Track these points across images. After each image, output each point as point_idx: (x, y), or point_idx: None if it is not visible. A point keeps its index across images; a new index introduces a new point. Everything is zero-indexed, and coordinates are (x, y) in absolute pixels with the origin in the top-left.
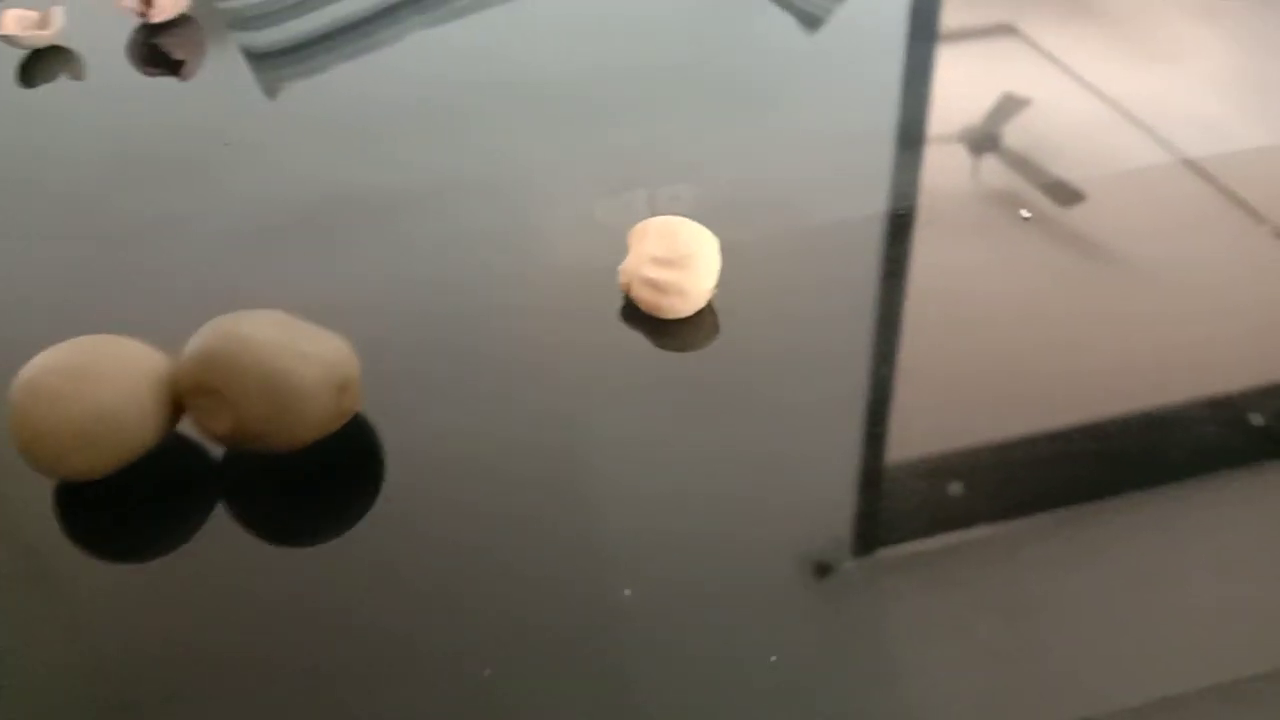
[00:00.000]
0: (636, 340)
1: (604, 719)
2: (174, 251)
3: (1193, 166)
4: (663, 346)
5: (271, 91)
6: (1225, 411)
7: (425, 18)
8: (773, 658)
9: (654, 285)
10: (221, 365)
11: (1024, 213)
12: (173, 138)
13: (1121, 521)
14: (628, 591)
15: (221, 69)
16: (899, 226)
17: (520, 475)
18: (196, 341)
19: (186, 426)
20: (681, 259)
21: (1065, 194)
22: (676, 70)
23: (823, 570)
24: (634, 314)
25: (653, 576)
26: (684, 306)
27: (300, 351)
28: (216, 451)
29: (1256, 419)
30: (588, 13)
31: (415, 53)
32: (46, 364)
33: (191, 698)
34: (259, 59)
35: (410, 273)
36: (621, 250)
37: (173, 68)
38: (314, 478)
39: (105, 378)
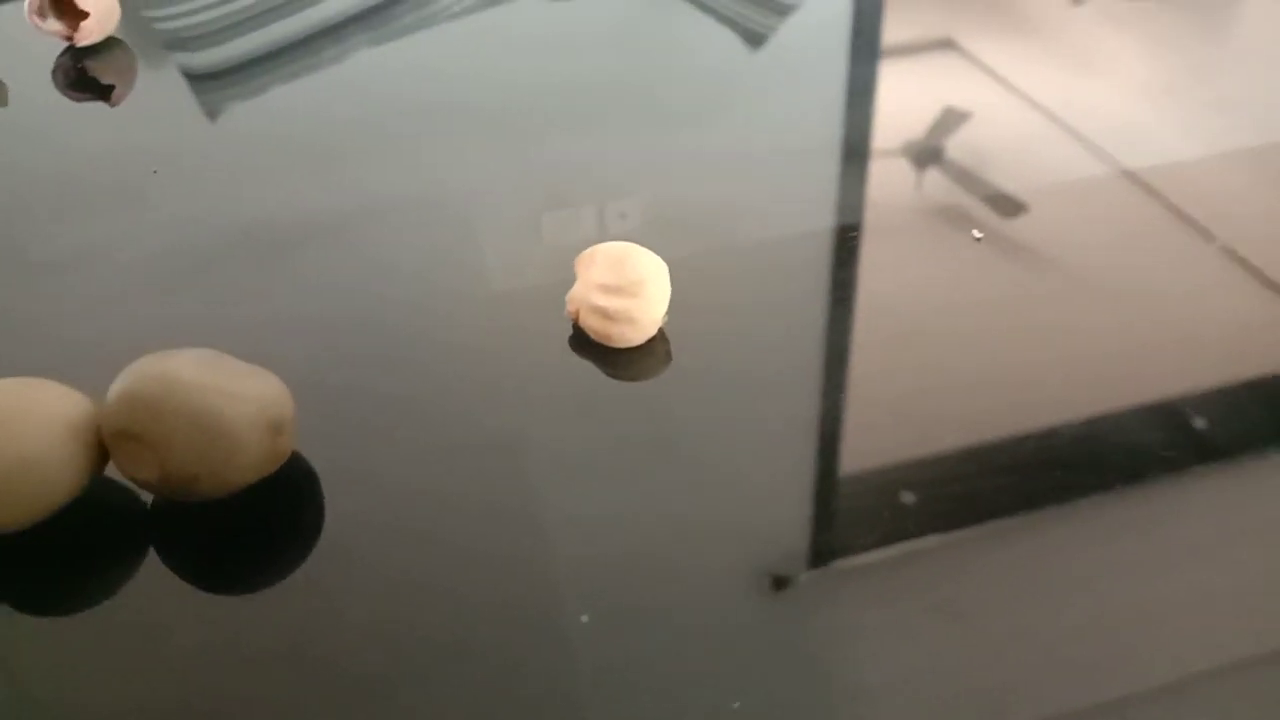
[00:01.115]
0: (586, 368)
1: None
2: (98, 285)
3: (1129, 176)
4: (614, 375)
5: (212, 113)
6: (1169, 417)
7: (369, 36)
8: (732, 676)
9: (603, 313)
10: (146, 408)
11: (976, 233)
12: (102, 165)
13: (1071, 527)
14: (585, 618)
15: (153, 93)
16: (846, 241)
17: (467, 506)
18: (120, 384)
19: (115, 471)
20: (631, 285)
21: (1008, 205)
22: (620, 86)
23: (780, 583)
24: (583, 342)
25: (609, 600)
26: (634, 335)
27: (230, 391)
28: (147, 496)
29: (1199, 422)
30: (533, 30)
31: (360, 72)
32: None
33: None
34: (199, 80)
35: (350, 298)
36: (569, 273)
37: (101, 93)
38: (250, 522)
39: (23, 424)
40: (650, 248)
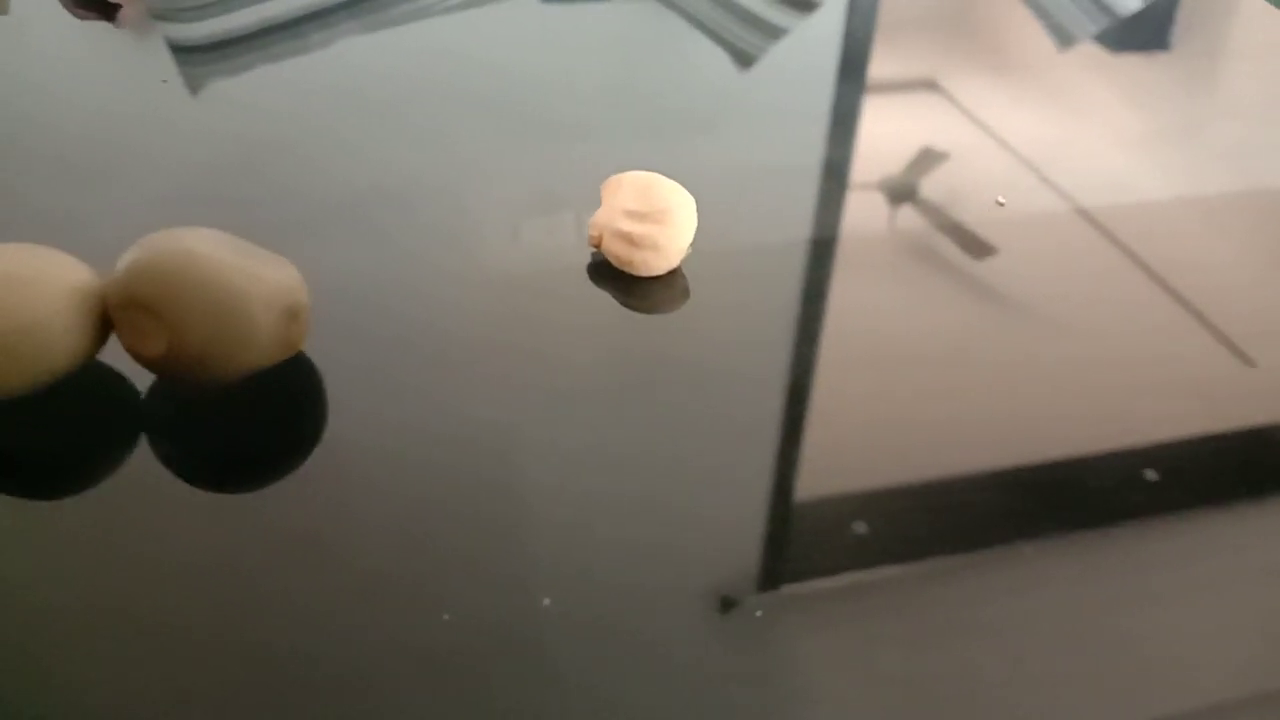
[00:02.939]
0: (599, 318)
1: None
2: (101, 194)
3: (1101, 225)
4: (618, 340)
5: (195, 88)
6: (1121, 466)
7: (358, 23)
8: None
9: (628, 239)
10: (159, 278)
11: (1000, 199)
12: (103, 84)
13: (1018, 570)
14: (546, 601)
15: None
16: (817, 265)
17: (461, 450)
18: (131, 254)
19: (109, 354)
20: (657, 212)
21: (978, 247)
22: (606, 93)
23: (728, 604)
24: (604, 272)
25: (569, 582)
26: (658, 263)
27: (247, 270)
28: (143, 382)
29: (1150, 474)
30: (526, 31)
31: (345, 57)
32: None
33: (92, 647)
34: (184, 52)
35: (354, 261)
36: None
37: (106, 12)
38: (248, 418)
39: (25, 286)
40: None
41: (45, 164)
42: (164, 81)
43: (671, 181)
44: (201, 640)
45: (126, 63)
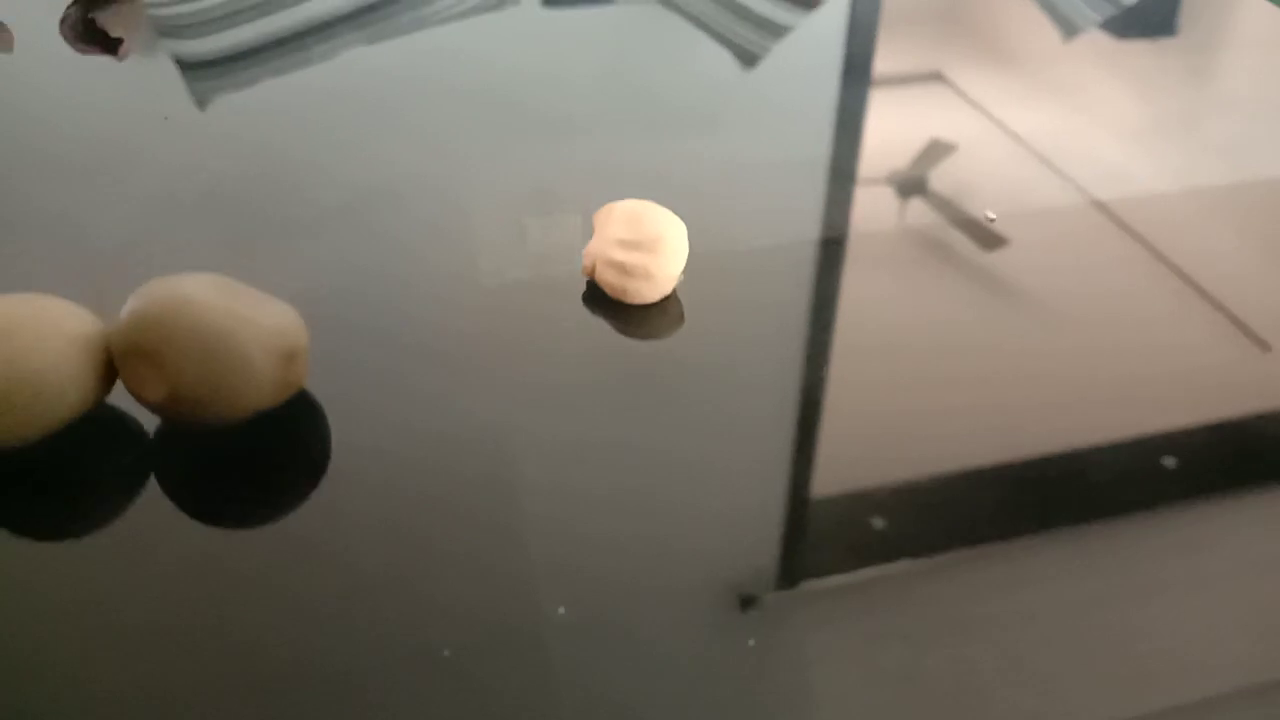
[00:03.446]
0: (601, 327)
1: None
2: (105, 227)
3: (1110, 213)
4: (627, 334)
5: (202, 102)
6: (1139, 453)
7: (361, 35)
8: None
9: (620, 268)
10: (159, 326)
11: (989, 214)
12: (105, 117)
13: (1037, 561)
14: (562, 610)
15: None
16: (828, 261)
17: (466, 466)
18: (132, 302)
19: (118, 397)
20: (648, 241)
21: (989, 238)
22: (612, 96)
23: (747, 602)
24: (598, 298)
25: (583, 589)
26: (650, 291)
27: (244, 316)
28: (150, 424)
29: (1169, 461)
30: (529, 36)
31: (348, 67)
32: None
33: (111, 680)
34: (190, 68)
35: (359, 263)
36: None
37: (108, 46)
38: (253, 457)
39: (32, 337)
40: None
41: (55, 187)
42: (165, 119)
43: (663, 209)
44: (217, 663)
45: (130, 91)
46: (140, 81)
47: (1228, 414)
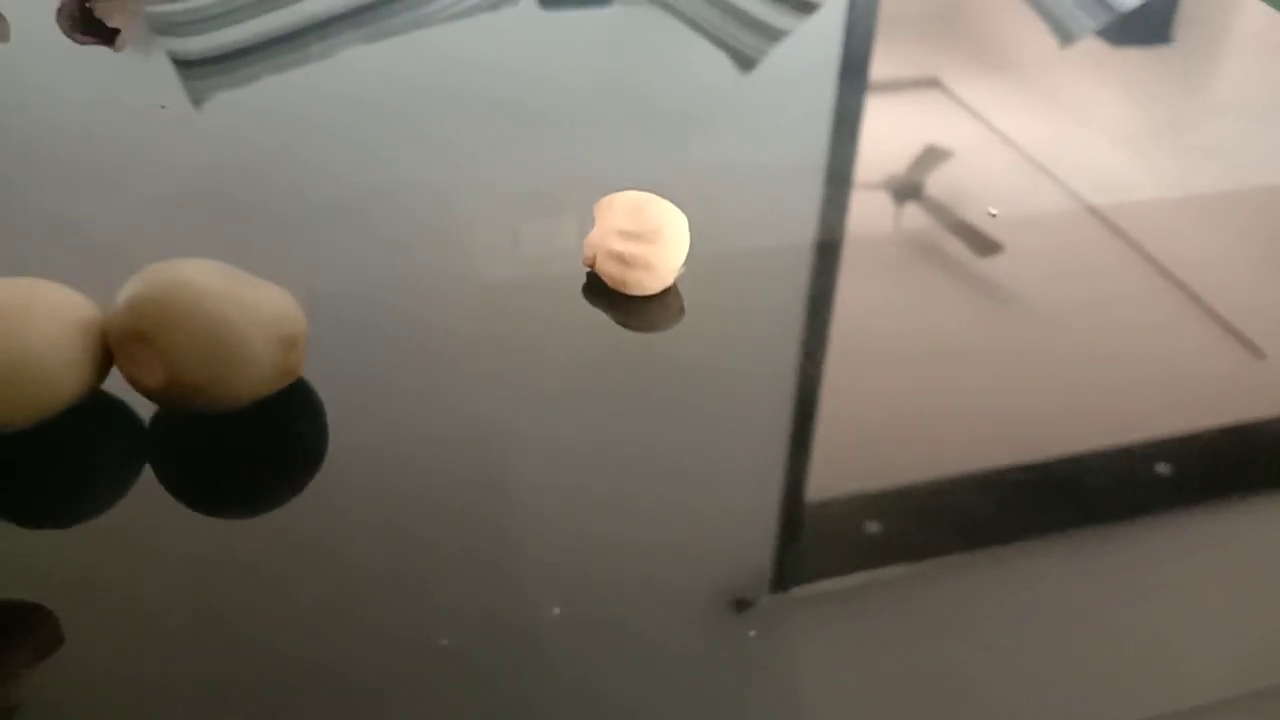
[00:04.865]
0: (600, 320)
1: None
2: (100, 220)
3: (1105, 221)
4: (627, 325)
5: (197, 100)
6: (1132, 460)
7: (360, 34)
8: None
9: (620, 259)
10: (157, 311)
11: (991, 210)
12: (102, 109)
13: (1032, 562)
14: (557, 610)
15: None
16: (823, 265)
17: (462, 461)
18: (130, 287)
19: (113, 384)
20: (649, 232)
21: (984, 244)
22: (608, 97)
23: (741, 605)
24: (598, 290)
25: (578, 589)
26: (651, 282)
27: (243, 301)
28: (145, 411)
29: (1162, 468)
30: (526, 37)
31: (346, 66)
32: None
33: (100, 666)
34: (186, 66)
35: (356, 261)
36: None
37: (106, 36)
38: (249, 447)
39: (28, 321)
40: None
41: (51, 179)
42: (163, 108)
43: (664, 201)
44: (211, 655)
45: (128, 83)
46: (137, 74)
47: (1222, 421)
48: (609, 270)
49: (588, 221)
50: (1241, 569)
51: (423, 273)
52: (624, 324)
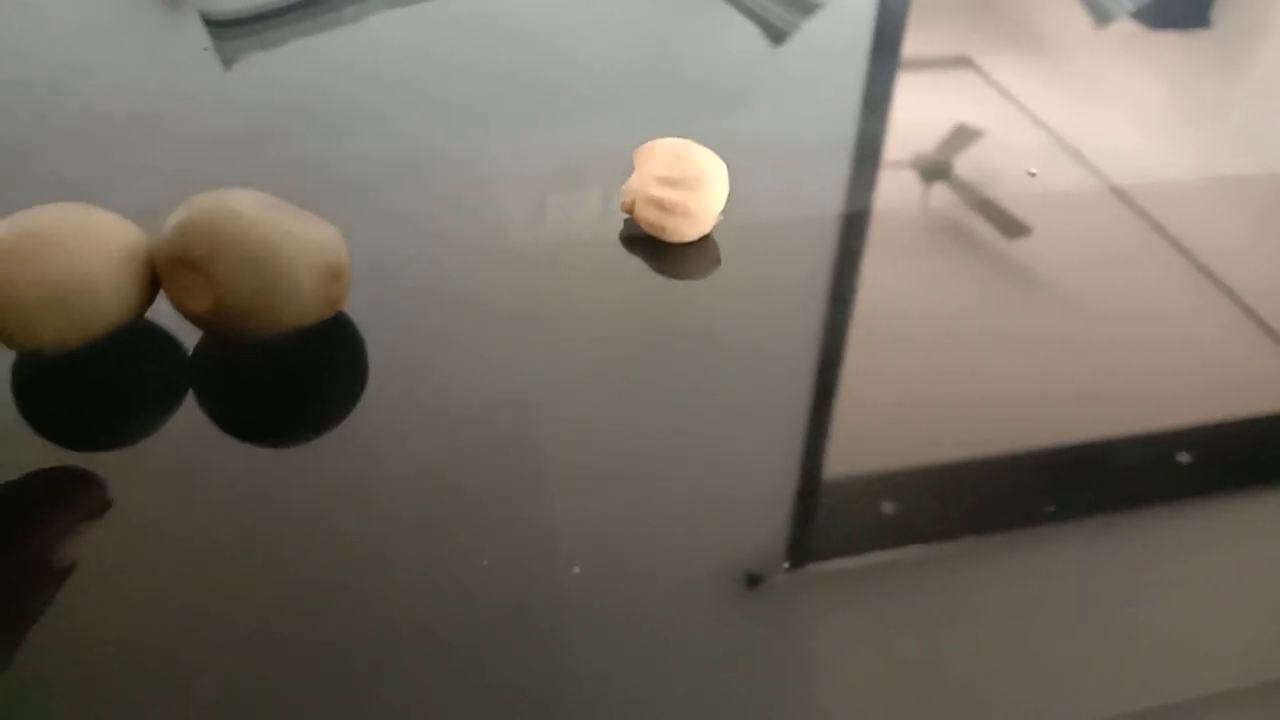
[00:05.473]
0: (637, 266)
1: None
2: (133, 164)
3: (1135, 205)
4: (663, 272)
5: (228, 61)
6: (1154, 449)
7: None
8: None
9: (659, 205)
10: (206, 237)
11: (1031, 170)
12: (137, 56)
13: (1047, 552)
14: (577, 569)
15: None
16: (849, 241)
17: (495, 412)
18: (178, 213)
19: (157, 312)
20: (689, 179)
21: (1012, 226)
22: (638, 68)
23: (754, 581)
24: (634, 240)
25: (593, 552)
26: (690, 229)
27: (289, 230)
28: (189, 339)
29: (1183, 457)
30: (556, 7)
31: (377, 31)
32: (12, 227)
33: (134, 592)
34: (218, 25)
35: (392, 225)
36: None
37: None
38: (292, 374)
39: (78, 243)
40: None
41: (79, 135)
42: (205, 49)
43: (704, 148)
44: (239, 576)
45: (160, 35)
46: (172, 25)
47: (1244, 411)
48: (647, 216)
49: (615, 190)
50: (1260, 559)
51: (458, 235)
52: (661, 271)
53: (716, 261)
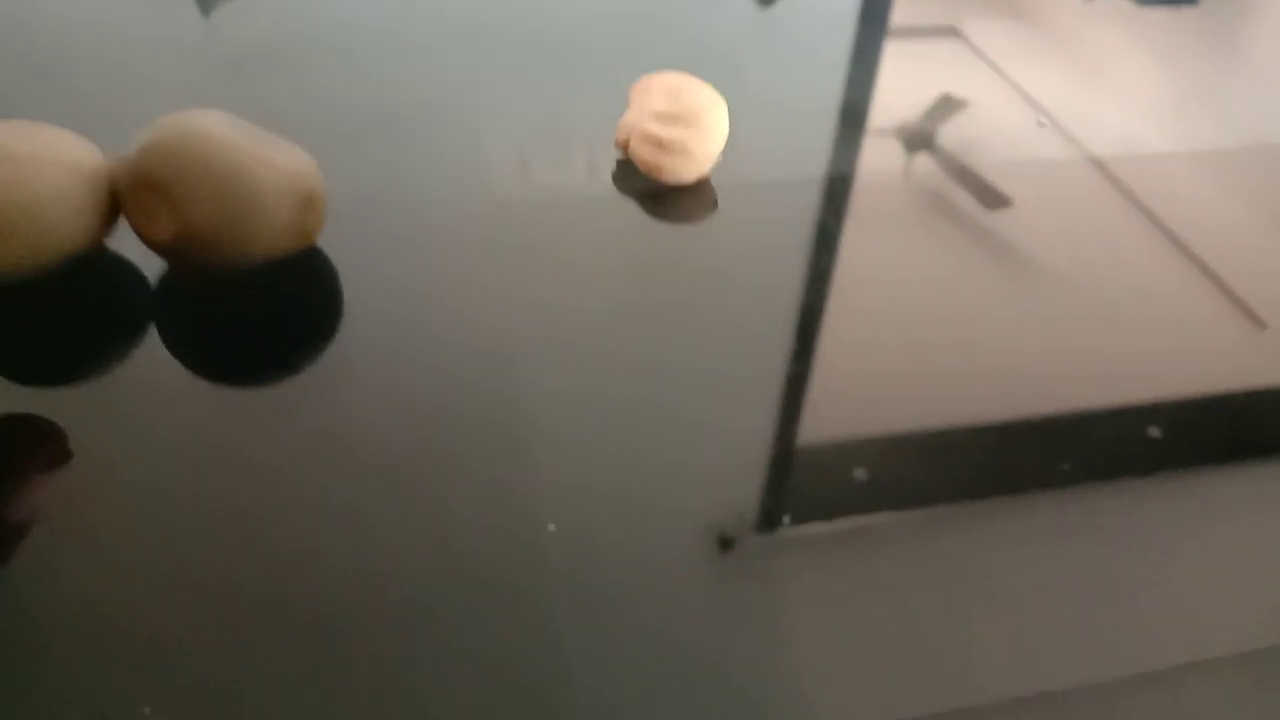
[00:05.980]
0: (629, 209)
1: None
2: (121, 89)
3: (1116, 179)
4: (656, 227)
5: (206, 7)
6: (1126, 422)
7: None
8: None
9: (656, 143)
10: (171, 158)
11: (1041, 120)
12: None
13: (1016, 517)
14: (552, 527)
15: None
16: (830, 210)
17: (473, 356)
18: (144, 134)
19: (118, 241)
20: (688, 115)
21: (993, 197)
22: (627, 28)
23: (726, 543)
24: (630, 176)
25: (570, 505)
26: (687, 170)
27: (261, 155)
28: (152, 270)
29: (1154, 431)
30: None
31: None
32: None
33: (96, 547)
34: None
35: (375, 174)
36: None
37: None
38: (262, 310)
39: (33, 165)
40: None
41: (48, 73)
42: None
43: (703, 83)
44: (206, 528)
45: None
46: None
47: (1216, 388)
48: (643, 155)
49: (600, 150)
50: (1229, 532)
51: (443, 185)
52: (655, 214)
53: (714, 204)
